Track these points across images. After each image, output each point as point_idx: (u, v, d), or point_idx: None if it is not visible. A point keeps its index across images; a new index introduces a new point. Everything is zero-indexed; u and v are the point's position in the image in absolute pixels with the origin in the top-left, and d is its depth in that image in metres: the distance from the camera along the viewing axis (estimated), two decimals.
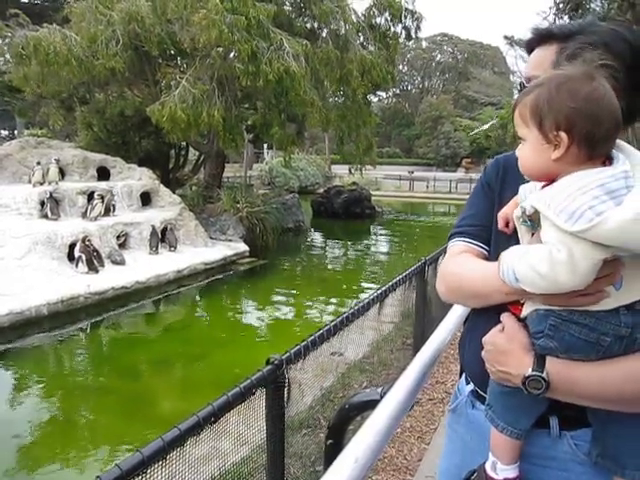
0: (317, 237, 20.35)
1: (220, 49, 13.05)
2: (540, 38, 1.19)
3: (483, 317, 1.20)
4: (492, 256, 1.22)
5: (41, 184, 11.67)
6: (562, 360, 1.00)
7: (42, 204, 11.08)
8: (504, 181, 1.29)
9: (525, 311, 1.05)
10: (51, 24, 13.45)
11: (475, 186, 1.39)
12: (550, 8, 10.88)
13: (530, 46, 1.22)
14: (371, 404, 1.32)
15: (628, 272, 0.93)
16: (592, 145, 0.94)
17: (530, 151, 1.01)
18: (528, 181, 1.17)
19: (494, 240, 1.24)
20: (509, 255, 1.00)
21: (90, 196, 11.84)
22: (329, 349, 3.34)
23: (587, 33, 1.10)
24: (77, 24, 13.57)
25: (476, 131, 42.42)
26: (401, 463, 3.43)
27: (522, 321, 1.06)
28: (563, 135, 0.94)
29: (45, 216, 10.91)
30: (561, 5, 10.31)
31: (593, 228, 0.85)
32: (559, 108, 0.95)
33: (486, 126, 36.91)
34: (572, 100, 0.94)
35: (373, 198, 24.30)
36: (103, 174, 13.69)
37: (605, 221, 0.84)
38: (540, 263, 0.91)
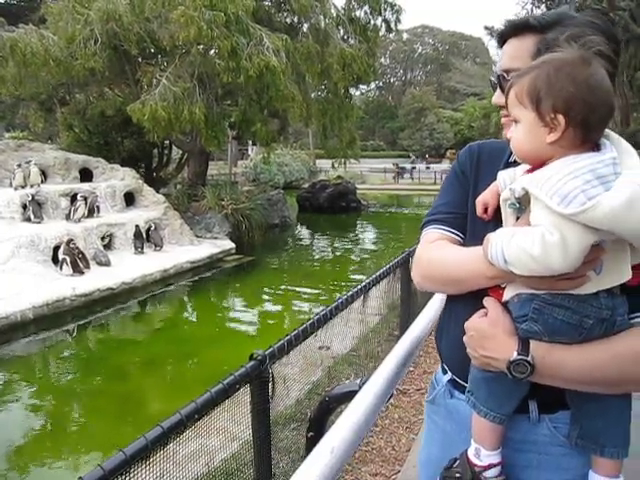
0: (303, 232, 20.33)
1: (200, 46, 12.97)
2: (515, 29, 1.16)
3: (460, 305, 1.19)
4: (468, 244, 1.20)
5: (23, 187, 11.51)
6: (546, 343, 1.00)
7: (24, 207, 10.94)
8: (479, 169, 1.27)
9: (507, 295, 1.05)
10: (27, 24, 13.29)
11: (448, 174, 1.36)
12: None
13: (503, 37, 1.19)
14: (350, 395, 1.33)
15: (608, 257, 0.94)
16: (587, 130, 0.95)
17: (524, 132, 1.00)
18: (505, 168, 1.17)
19: (470, 228, 1.23)
20: (498, 237, 0.99)
21: (73, 198, 11.73)
22: (315, 343, 3.34)
23: (565, 24, 1.07)
24: (54, 24, 13.45)
25: None
26: (390, 454, 3.45)
27: (503, 305, 1.06)
28: (561, 118, 0.94)
29: (28, 219, 10.77)
30: None
31: (586, 211, 0.86)
32: (558, 91, 0.94)
33: None
34: (571, 84, 0.94)
35: (358, 191, 24.34)
36: (86, 175, 13.56)
37: (597, 205, 0.85)
38: (532, 245, 0.91)
